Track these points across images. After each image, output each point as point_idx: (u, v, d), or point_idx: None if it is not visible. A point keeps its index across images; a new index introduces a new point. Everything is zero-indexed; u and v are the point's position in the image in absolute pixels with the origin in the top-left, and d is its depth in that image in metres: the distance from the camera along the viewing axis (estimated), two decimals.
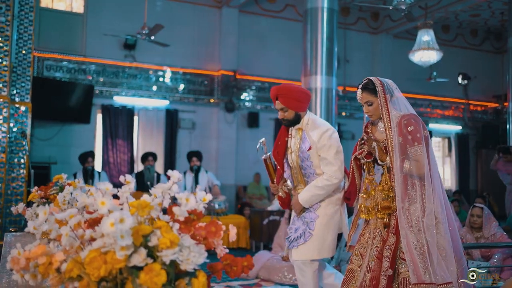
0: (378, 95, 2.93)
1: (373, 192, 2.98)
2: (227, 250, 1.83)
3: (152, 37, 8.73)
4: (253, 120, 11.33)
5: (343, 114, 12.44)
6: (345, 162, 3.46)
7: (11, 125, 6.15)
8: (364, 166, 3.05)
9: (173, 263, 1.57)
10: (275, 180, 3.58)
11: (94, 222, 1.72)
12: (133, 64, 10.40)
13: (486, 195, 7.43)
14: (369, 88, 2.98)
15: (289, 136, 3.56)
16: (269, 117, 11.55)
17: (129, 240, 1.48)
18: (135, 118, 10.55)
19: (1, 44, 5.73)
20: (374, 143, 2.96)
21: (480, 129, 13.97)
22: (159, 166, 10.49)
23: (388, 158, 2.90)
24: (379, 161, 2.97)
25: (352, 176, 3.20)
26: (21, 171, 6.22)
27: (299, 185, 3.54)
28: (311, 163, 3.45)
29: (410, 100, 11.49)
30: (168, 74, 10.75)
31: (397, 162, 2.81)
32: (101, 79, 10.21)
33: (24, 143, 6.03)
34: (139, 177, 7.53)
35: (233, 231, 1.87)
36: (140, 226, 1.53)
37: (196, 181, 7.68)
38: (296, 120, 3.49)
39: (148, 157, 7.74)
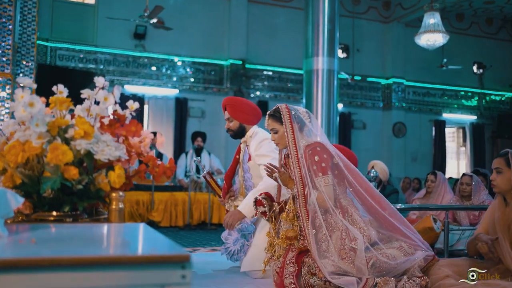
0: (284, 123, 2.86)
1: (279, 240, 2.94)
2: (157, 160, 1.92)
3: (166, 25, 8.88)
4: (262, 108, 11.27)
5: (354, 103, 12.42)
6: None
7: None
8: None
9: (91, 156, 1.67)
10: (221, 194, 3.60)
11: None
12: (143, 54, 10.60)
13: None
14: (275, 116, 2.94)
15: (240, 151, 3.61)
16: None
17: (44, 128, 1.58)
18: (145, 106, 10.74)
19: (4, 24, 5.96)
20: (276, 174, 2.89)
21: (496, 119, 13.73)
22: (169, 153, 10.65)
23: (295, 186, 2.83)
24: (286, 189, 2.94)
25: None
26: None
27: (239, 197, 3.55)
28: (250, 175, 3.47)
29: (423, 89, 11.35)
30: (178, 64, 10.92)
31: (311, 192, 2.74)
32: (112, 68, 10.44)
33: None
34: None
35: (160, 139, 1.95)
36: (57, 118, 1.63)
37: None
38: (241, 132, 3.54)
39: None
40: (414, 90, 12.96)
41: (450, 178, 9.06)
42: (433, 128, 13.06)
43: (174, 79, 10.90)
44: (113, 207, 1.67)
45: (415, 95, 13.00)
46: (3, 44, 6.00)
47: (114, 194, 1.67)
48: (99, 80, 1.83)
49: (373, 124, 12.54)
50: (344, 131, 12.13)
